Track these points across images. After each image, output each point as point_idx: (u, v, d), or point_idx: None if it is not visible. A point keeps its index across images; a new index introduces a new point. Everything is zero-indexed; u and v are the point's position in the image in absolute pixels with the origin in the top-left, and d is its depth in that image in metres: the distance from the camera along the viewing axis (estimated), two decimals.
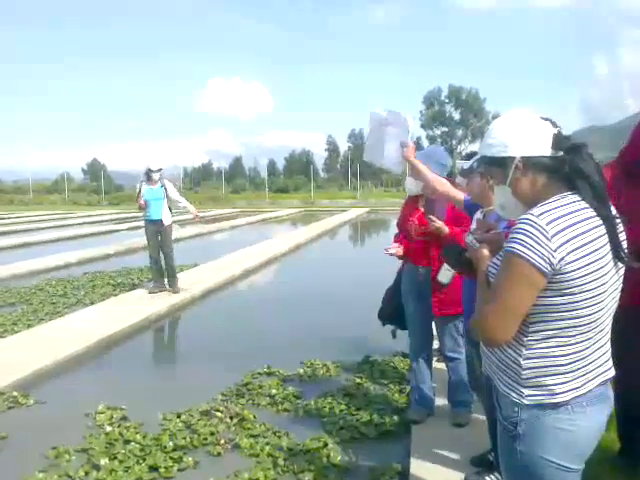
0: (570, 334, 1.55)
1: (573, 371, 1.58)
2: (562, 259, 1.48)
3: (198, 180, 66.23)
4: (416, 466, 3.22)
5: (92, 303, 7.82)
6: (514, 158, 1.64)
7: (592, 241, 1.52)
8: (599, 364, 1.63)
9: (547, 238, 1.48)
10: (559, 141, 1.62)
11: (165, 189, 8.38)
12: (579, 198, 1.57)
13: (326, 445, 3.61)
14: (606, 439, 3.02)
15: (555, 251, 1.47)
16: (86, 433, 3.89)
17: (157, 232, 8.37)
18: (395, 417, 4.01)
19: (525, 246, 1.49)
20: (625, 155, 2.82)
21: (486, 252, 1.73)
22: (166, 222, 8.36)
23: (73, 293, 8.67)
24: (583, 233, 1.51)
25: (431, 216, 3.59)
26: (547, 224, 1.49)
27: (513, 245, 1.51)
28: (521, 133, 1.64)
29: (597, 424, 1.64)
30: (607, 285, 1.56)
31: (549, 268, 1.48)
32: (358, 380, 4.78)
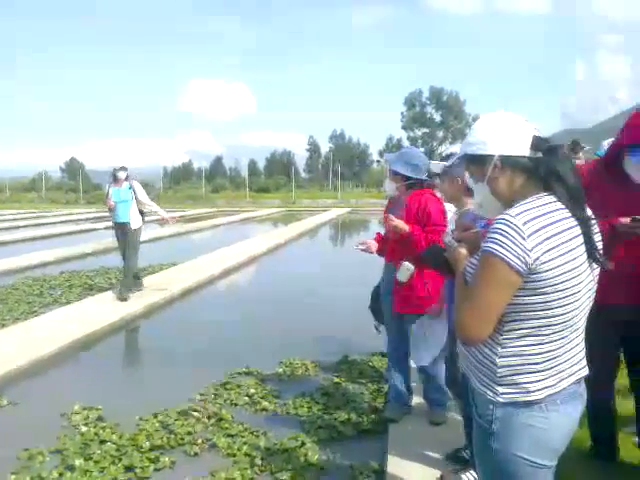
0: (544, 333, 1.57)
1: (547, 369, 1.60)
2: (537, 259, 1.50)
3: (178, 179, 65.73)
4: (393, 464, 3.24)
5: (68, 303, 7.72)
6: (493, 156, 1.66)
7: (567, 241, 1.54)
8: (573, 363, 1.65)
9: (523, 238, 1.49)
10: (538, 142, 1.64)
11: (134, 191, 8.01)
12: (555, 199, 1.59)
13: (304, 444, 3.61)
14: (578, 436, 3.07)
15: (531, 251, 1.49)
16: (61, 434, 3.83)
17: (124, 234, 8.01)
18: (373, 416, 4.03)
19: (501, 245, 1.50)
20: (609, 151, 2.88)
21: (464, 252, 1.75)
22: (133, 225, 7.97)
23: (49, 292, 8.55)
24: (558, 233, 1.54)
25: (389, 215, 3.63)
26: (523, 224, 1.51)
27: (489, 245, 1.53)
28: (501, 132, 1.66)
29: (570, 422, 1.67)
30: (581, 285, 1.58)
31: (524, 268, 1.50)
32: (336, 379, 4.79)
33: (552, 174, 1.61)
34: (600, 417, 3.07)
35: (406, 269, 3.57)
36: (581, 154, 3.71)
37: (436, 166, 3.46)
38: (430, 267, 2.08)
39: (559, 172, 1.60)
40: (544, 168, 1.62)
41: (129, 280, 7.93)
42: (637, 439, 3.11)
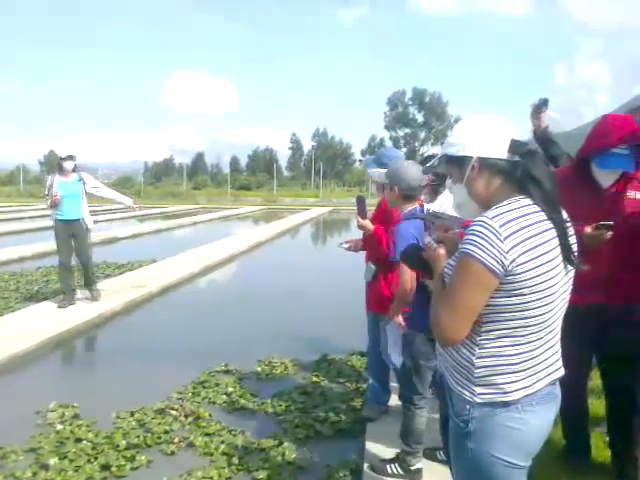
0: (521, 334, 1.60)
1: (524, 370, 1.62)
2: (514, 260, 1.52)
3: (159, 175, 65.15)
4: (370, 463, 3.26)
5: (45, 299, 7.61)
6: (471, 158, 1.68)
7: (542, 244, 1.57)
8: (549, 364, 1.68)
9: (500, 240, 1.52)
10: (516, 146, 1.68)
11: (84, 184, 7.14)
12: (531, 202, 1.62)
13: (281, 443, 3.62)
14: (552, 436, 3.12)
15: (507, 253, 1.51)
16: (35, 432, 3.79)
17: (71, 235, 7.11)
18: (351, 415, 4.05)
19: (478, 247, 1.52)
20: (577, 157, 2.93)
21: (442, 253, 1.75)
22: (88, 223, 7.19)
23: (26, 288, 8.42)
24: (534, 236, 1.56)
25: (358, 216, 3.68)
26: (500, 226, 1.53)
27: (467, 246, 1.55)
28: (480, 134, 1.69)
29: (545, 422, 1.69)
30: (557, 286, 1.61)
31: (501, 269, 1.52)
32: (315, 378, 4.81)
33: (529, 177, 1.64)
34: (573, 417, 3.12)
35: (370, 268, 3.64)
36: (543, 115, 3.73)
37: (378, 175, 3.49)
38: (410, 267, 2.09)
39: (536, 176, 1.63)
40: (521, 171, 1.65)
41: (94, 286, 7.35)
42: (608, 438, 3.17)
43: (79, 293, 7.41)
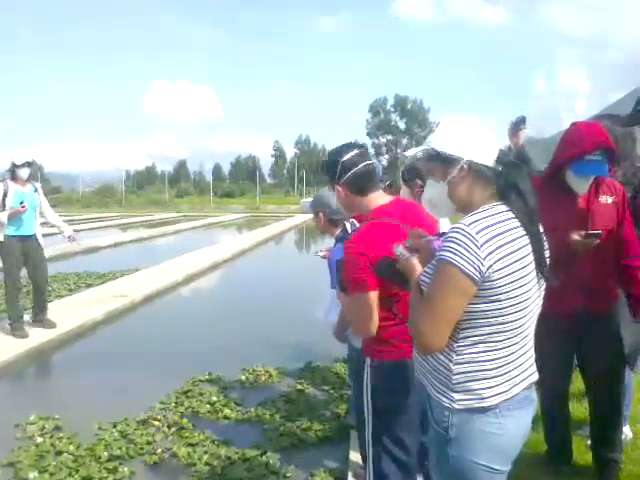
0: (497, 339, 1.61)
1: (500, 375, 1.63)
2: (490, 267, 1.53)
3: (141, 183, 64.76)
4: (353, 471, 3.25)
5: (25, 310, 7.49)
6: (461, 159, 1.69)
7: (517, 250, 1.59)
8: (524, 368, 1.69)
9: (477, 246, 1.53)
10: (503, 156, 1.72)
11: (38, 195, 6.35)
12: (506, 209, 1.64)
13: (265, 452, 3.60)
14: (533, 440, 3.15)
15: (484, 259, 1.53)
16: (15, 445, 3.73)
17: (24, 253, 6.21)
18: (335, 423, 4.04)
19: (456, 254, 1.53)
20: (551, 165, 2.97)
21: (416, 262, 1.76)
22: (40, 239, 6.35)
23: (4, 299, 8.28)
24: (509, 242, 1.58)
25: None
26: (477, 233, 1.55)
27: (445, 253, 1.56)
28: (474, 138, 1.70)
29: (523, 426, 1.71)
30: (531, 292, 1.63)
31: (479, 275, 1.53)
32: (299, 386, 4.80)
33: (513, 188, 1.66)
34: (555, 421, 3.16)
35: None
36: (521, 133, 3.82)
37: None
38: (385, 280, 2.00)
39: (522, 189, 1.65)
40: (505, 181, 1.67)
41: (45, 312, 6.50)
42: (590, 442, 3.20)
43: (66, 301, 7.26)
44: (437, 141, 1.74)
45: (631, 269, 2.84)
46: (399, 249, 1.80)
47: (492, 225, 1.58)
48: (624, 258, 2.85)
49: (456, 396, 1.64)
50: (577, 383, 3.84)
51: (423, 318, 1.60)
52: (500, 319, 1.59)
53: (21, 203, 6.02)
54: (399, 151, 70.35)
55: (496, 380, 1.63)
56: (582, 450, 3.31)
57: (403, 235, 1.96)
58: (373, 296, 2.08)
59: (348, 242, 2.15)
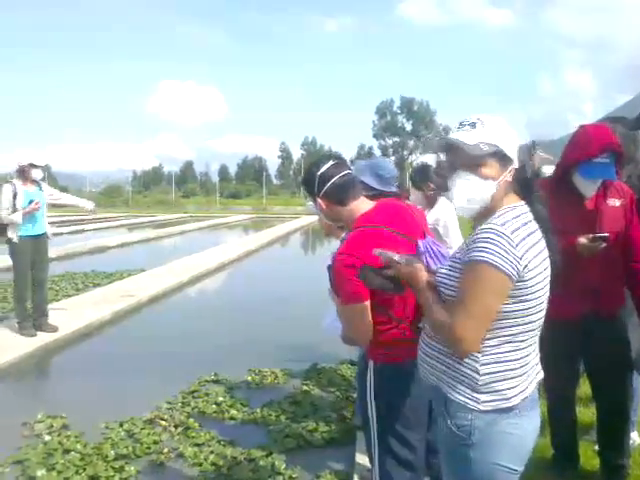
0: (521, 339, 1.62)
1: (521, 375, 1.65)
2: (525, 266, 1.55)
3: (148, 184, 64.96)
4: (360, 473, 3.25)
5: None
6: (513, 162, 1.66)
7: (541, 251, 1.61)
8: (537, 369, 1.72)
9: (513, 246, 1.54)
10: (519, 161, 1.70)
11: (43, 192, 6.37)
12: (527, 209, 1.65)
13: (271, 453, 3.61)
14: (540, 444, 3.14)
15: (521, 259, 1.54)
16: (23, 443, 3.75)
17: (35, 251, 6.23)
18: (341, 424, 4.04)
19: (495, 255, 1.53)
20: (558, 168, 2.97)
21: (420, 266, 1.73)
22: (49, 236, 6.45)
23: (13, 298, 8.32)
24: (536, 243, 1.61)
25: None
26: (511, 233, 1.56)
27: (482, 254, 1.54)
28: (516, 141, 1.69)
29: (536, 426, 1.72)
30: (546, 292, 1.65)
31: (516, 275, 1.54)
32: (305, 387, 4.80)
33: (530, 190, 1.69)
34: (561, 426, 3.15)
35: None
36: (535, 156, 3.82)
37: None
38: (371, 286, 1.92)
39: (536, 192, 1.69)
40: (528, 185, 1.69)
41: (46, 317, 6.37)
42: (597, 447, 3.19)
43: (73, 301, 7.27)
44: (500, 139, 1.63)
45: (639, 273, 2.83)
46: (380, 252, 1.77)
47: (522, 225, 1.60)
48: (632, 261, 2.84)
49: (482, 397, 1.63)
50: (584, 387, 3.82)
51: (462, 322, 1.55)
52: (526, 319, 1.60)
53: (30, 202, 6.03)
54: (405, 152, 70.30)
55: (518, 380, 1.64)
56: (589, 455, 3.30)
57: (390, 240, 1.95)
58: (365, 306, 2.09)
59: (337, 253, 2.13)
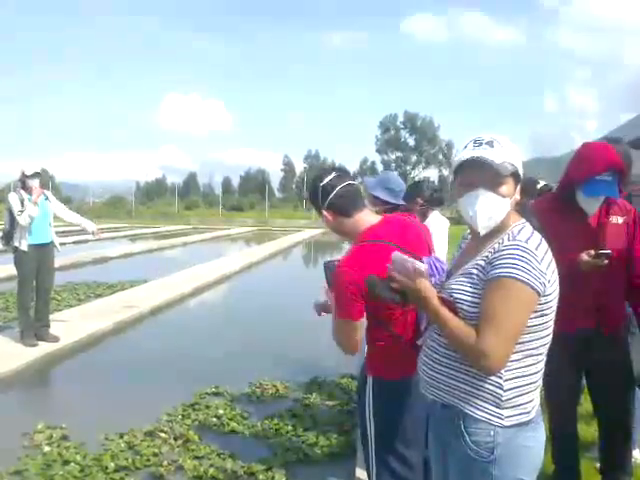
0: (540, 352, 1.65)
1: (537, 388, 1.67)
2: (549, 281, 1.58)
3: (151, 195, 65.10)
4: None
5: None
6: (520, 180, 1.71)
7: (555, 267, 1.64)
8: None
9: (538, 261, 1.57)
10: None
11: (50, 202, 6.41)
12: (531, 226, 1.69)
13: (271, 467, 3.59)
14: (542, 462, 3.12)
15: (545, 273, 1.57)
16: (22, 454, 3.74)
17: (40, 260, 6.24)
18: (341, 438, 4.03)
19: (523, 270, 1.54)
20: (561, 185, 2.99)
21: (428, 284, 1.67)
22: (57, 246, 6.52)
23: (16, 306, 8.34)
24: (552, 258, 1.64)
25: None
26: (535, 248, 1.58)
27: (510, 270, 1.55)
28: (520, 160, 1.71)
29: (544, 437, 1.74)
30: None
31: (543, 290, 1.56)
32: (306, 401, 4.79)
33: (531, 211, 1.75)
34: (563, 442, 3.13)
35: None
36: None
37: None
38: (375, 299, 1.87)
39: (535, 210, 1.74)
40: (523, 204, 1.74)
41: (47, 328, 6.34)
42: (599, 464, 3.17)
43: (75, 311, 7.27)
44: (516, 159, 1.67)
45: None
46: (410, 262, 1.68)
47: (541, 241, 1.63)
48: (635, 278, 2.85)
49: (505, 413, 1.63)
50: (586, 404, 3.81)
51: (490, 339, 1.54)
52: (544, 332, 1.63)
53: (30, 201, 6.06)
54: (408, 168, 70.45)
55: (535, 393, 1.67)
56: (591, 472, 3.27)
57: None
58: (356, 325, 2.12)
59: (339, 266, 2.13)
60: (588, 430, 3.74)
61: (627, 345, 2.93)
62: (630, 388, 2.99)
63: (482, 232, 1.69)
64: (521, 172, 1.69)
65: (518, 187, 1.69)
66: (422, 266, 1.67)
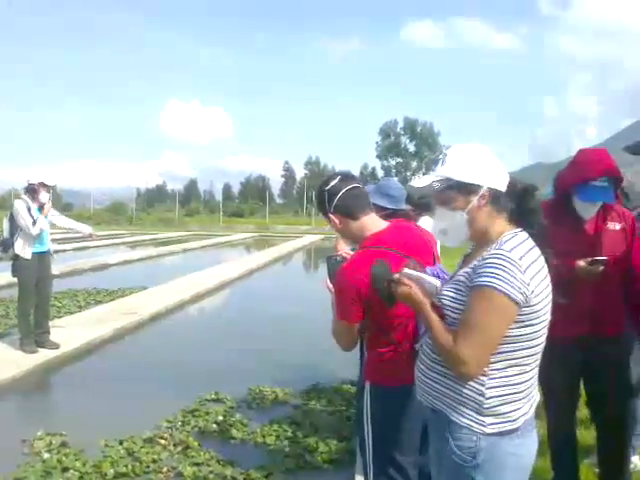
0: (527, 362, 1.65)
1: (525, 397, 1.67)
2: (532, 291, 1.58)
3: (152, 202, 65.19)
4: None
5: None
6: (481, 187, 1.69)
7: (545, 276, 1.64)
8: (536, 390, 1.75)
9: (521, 272, 1.56)
10: (514, 182, 1.73)
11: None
12: (527, 236, 1.68)
13: (271, 474, 3.59)
14: (540, 466, 3.13)
15: (528, 284, 1.56)
16: (22, 461, 3.74)
17: (40, 268, 6.29)
18: (341, 445, 4.03)
19: (502, 280, 1.55)
20: (557, 191, 3.00)
21: (418, 291, 1.71)
22: (52, 253, 6.61)
23: (15, 315, 8.34)
24: (542, 268, 1.63)
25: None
26: (519, 258, 1.58)
27: (490, 279, 1.56)
28: (491, 165, 1.71)
29: (536, 446, 1.74)
30: (549, 316, 1.67)
31: (523, 301, 1.56)
32: (306, 407, 4.79)
33: (530, 213, 1.71)
34: (561, 448, 3.13)
35: None
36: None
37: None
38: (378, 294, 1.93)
39: (534, 209, 1.71)
40: (520, 206, 1.71)
41: (47, 334, 6.37)
42: (598, 470, 3.17)
43: (75, 318, 7.27)
44: (455, 170, 1.70)
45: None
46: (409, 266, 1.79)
47: (528, 251, 1.62)
48: (632, 285, 2.86)
49: (487, 420, 1.64)
50: (585, 410, 3.81)
51: (465, 346, 1.57)
52: (532, 342, 1.63)
53: (39, 210, 6.16)
54: (408, 174, 70.52)
55: (522, 402, 1.66)
56: (590, 478, 3.28)
57: (399, 263, 1.95)
58: (353, 327, 2.17)
59: (341, 270, 2.16)
60: (587, 436, 3.74)
61: (625, 352, 2.94)
62: (628, 395, 2.99)
63: (449, 244, 1.79)
64: (473, 179, 1.68)
65: (481, 193, 1.67)
66: (436, 282, 1.75)
